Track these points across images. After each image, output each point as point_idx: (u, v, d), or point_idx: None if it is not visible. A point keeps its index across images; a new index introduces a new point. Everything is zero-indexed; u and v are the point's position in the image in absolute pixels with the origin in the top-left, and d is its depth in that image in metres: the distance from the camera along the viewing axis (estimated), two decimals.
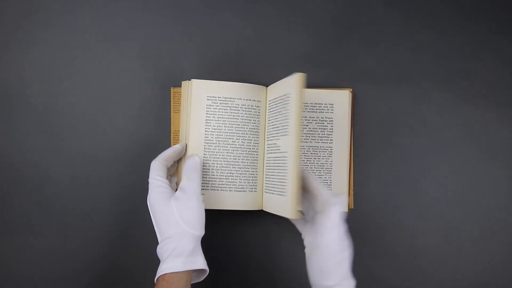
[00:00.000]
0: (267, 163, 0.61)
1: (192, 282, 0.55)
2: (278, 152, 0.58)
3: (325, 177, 0.64)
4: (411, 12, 0.69)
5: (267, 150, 0.61)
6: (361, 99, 0.67)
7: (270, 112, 0.61)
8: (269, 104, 0.61)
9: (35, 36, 0.67)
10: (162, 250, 0.54)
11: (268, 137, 0.61)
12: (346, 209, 0.55)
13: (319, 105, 0.64)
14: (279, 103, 0.58)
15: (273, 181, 0.59)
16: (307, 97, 0.64)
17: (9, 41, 0.67)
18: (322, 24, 0.68)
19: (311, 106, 0.64)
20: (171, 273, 0.51)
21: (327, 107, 0.64)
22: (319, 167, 0.64)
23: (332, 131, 0.64)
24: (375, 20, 0.69)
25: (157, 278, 0.53)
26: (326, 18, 0.69)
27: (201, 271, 0.56)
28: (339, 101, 0.64)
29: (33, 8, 0.67)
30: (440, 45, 0.69)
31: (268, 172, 0.61)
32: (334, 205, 0.53)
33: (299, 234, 0.57)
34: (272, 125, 0.60)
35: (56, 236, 0.65)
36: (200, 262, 0.54)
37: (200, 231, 0.55)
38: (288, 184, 0.54)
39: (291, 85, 0.55)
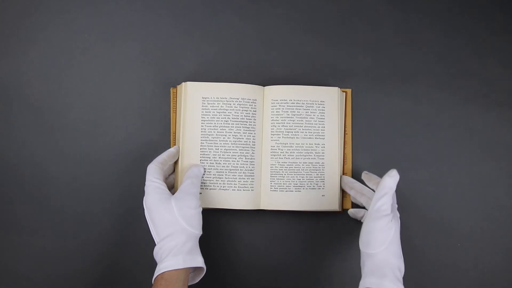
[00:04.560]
0: (276, 163, 0.63)
1: (188, 284, 0.55)
2: (303, 151, 0.63)
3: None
4: (411, 12, 0.69)
5: (279, 148, 0.63)
6: (361, 98, 0.67)
7: (277, 111, 0.64)
8: (275, 103, 0.64)
9: (35, 36, 0.67)
10: (160, 251, 0.54)
11: (280, 136, 0.63)
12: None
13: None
14: (299, 106, 0.64)
15: (295, 179, 0.63)
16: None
17: (9, 41, 0.67)
18: (322, 24, 0.68)
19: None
20: (169, 271, 0.52)
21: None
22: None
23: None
24: (375, 20, 0.69)
25: (155, 278, 0.53)
26: (326, 18, 0.69)
27: (197, 272, 0.57)
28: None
29: (33, 8, 0.67)
30: (440, 45, 0.69)
31: (281, 169, 0.63)
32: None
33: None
34: (285, 124, 0.63)
35: (56, 236, 0.65)
36: (199, 260, 0.54)
37: (199, 230, 0.56)
38: (330, 181, 0.64)
39: (329, 94, 0.64)
